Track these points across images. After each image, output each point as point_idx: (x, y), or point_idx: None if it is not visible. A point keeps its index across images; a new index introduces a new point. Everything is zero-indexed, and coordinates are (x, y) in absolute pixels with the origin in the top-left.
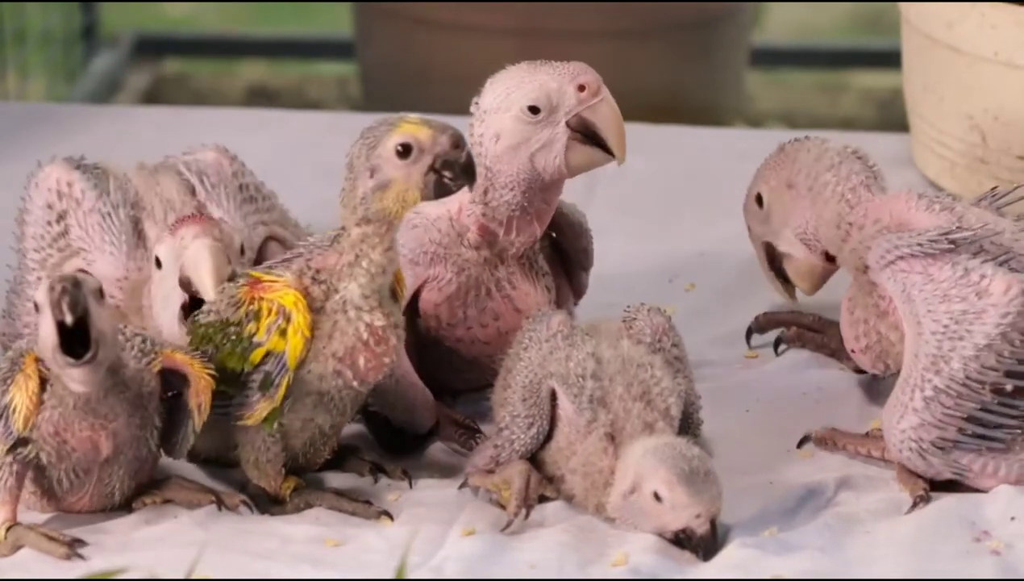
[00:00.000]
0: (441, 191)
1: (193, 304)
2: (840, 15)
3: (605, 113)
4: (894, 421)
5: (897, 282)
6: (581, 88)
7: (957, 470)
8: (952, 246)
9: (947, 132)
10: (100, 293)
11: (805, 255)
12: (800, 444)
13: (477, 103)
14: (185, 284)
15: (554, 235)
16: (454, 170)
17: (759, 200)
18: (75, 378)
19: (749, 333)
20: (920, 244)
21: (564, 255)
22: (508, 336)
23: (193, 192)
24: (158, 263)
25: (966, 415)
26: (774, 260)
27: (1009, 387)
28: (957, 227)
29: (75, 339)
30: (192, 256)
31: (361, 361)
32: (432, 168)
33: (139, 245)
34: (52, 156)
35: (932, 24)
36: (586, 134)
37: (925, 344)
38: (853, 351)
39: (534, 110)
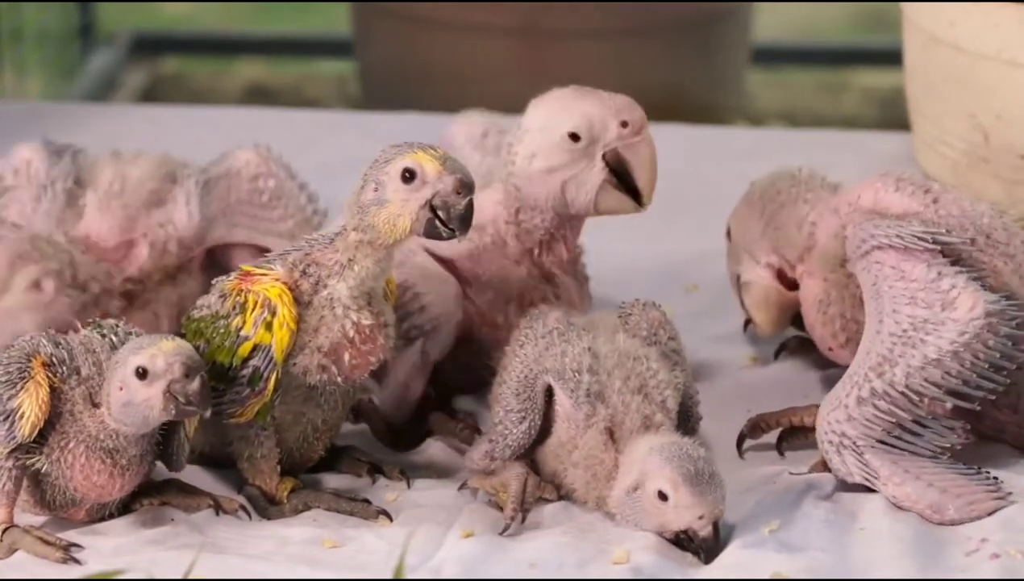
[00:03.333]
0: (431, 231)
1: None
2: (841, 13)
3: (643, 154)
4: (826, 411)
5: (869, 274)
6: (624, 124)
7: (867, 474)
8: (935, 247)
9: (949, 131)
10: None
11: (759, 278)
12: (740, 446)
13: (520, 123)
14: None
15: None
16: (448, 214)
17: (728, 234)
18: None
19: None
20: (900, 236)
21: None
22: None
23: (174, 180)
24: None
25: (896, 421)
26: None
27: (949, 405)
28: (948, 230)
29: None
30: None
31: (346, 357)
32: (429, 204)
33: (70, 215)
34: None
35: (934, 22)
36: (618, 172)
37: (880, 343)
38: (830, 350)
39: (575, 137)
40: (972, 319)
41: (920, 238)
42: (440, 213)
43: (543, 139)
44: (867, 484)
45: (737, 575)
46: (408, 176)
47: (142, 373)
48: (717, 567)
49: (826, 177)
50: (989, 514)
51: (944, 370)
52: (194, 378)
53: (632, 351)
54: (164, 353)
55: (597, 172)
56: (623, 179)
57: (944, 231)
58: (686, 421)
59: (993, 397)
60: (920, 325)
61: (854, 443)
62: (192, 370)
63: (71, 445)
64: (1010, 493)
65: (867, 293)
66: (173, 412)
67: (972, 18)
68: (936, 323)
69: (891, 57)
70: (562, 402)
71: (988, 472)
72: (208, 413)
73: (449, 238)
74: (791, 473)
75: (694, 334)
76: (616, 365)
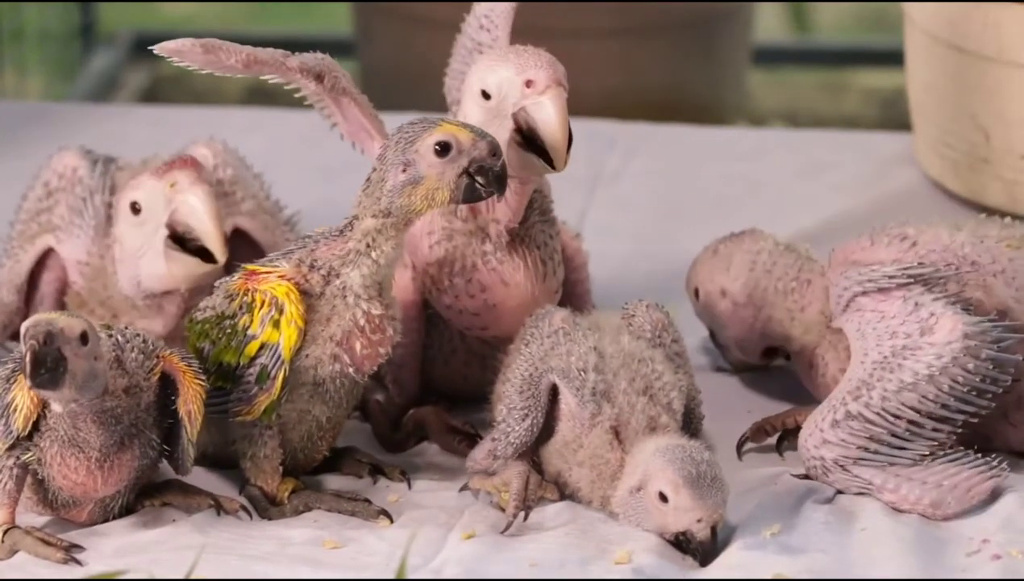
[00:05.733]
0: (471, 196)
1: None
2: (843, 13)
3: (545, 115)
4: (805, 435)
5: (853, 323)
6: (528, 83)
7: (861, 485)
8: (909, 281)
9: (950, 131)
10: (84, 337)
11: (738, 354)
12: (740, 449)
13: None
14: (178, 229)
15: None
16: (487, 177)
17: (696, 293)
18: (51, 398)
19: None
20: (871, 280)
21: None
22: (497, 309)
23: None
24: (135, 209)
25: (872, 437)
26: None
27: (928, 427)
28: (918, 263)
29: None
30: (191, 204)
31: (358, 347)
32: (466, 171)
33: (107, 233)
34: (77, 145)
35: (935, 23)
36: (529, 132)
37: (863, 370)
38: None
39: (486, 96)
40: (950, 342)
41: (891, 276)
42: (479, 178)
43: (468, 95)
44: (867, 494)
45: (738, 576)
46: (442, 149)
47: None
48: (718, 568)
49: (798, 254)
50: (991, 494)
51: (920, 394)
52: (25, 343)
53: (637, 353)
54: (28, 321)
55: (503, 131)
56: (536, 144)
57: (916, 264)
58: (690, 423)
59: (976, 420)
60: (899, 351)
61: (836, 463)
62: (26, 338)
63: (47, 443)
64: (1004, 464)
65: (853, 340)
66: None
67: (973, 18)
68: (914, 348)
69: (892, 57)
70: (567, 401)
71: (973, 452)
72: (29, 385)
73: (488, 197)
74: (792, 475)
75: (695, 335)
76: (622, 366)
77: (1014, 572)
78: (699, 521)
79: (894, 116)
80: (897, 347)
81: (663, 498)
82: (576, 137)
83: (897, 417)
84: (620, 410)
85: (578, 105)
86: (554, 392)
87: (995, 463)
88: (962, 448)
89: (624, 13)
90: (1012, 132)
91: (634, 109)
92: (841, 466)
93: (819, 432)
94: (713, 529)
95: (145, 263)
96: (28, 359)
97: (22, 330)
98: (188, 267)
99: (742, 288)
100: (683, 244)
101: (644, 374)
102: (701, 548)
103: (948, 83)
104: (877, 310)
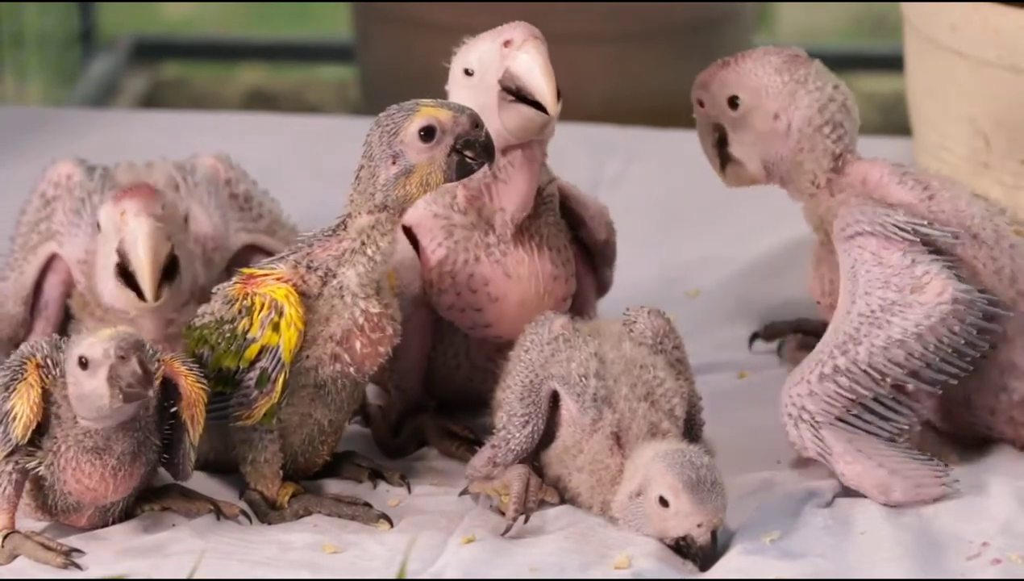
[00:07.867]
0: (463, 171)
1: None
2: (842, 18)
3: (523, 61)
4: (789, 385)
5: (849, 257)
6: (507, 43)
7: (821, 449)
8: (915, 238)
9: (950, 136)
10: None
11: (758, 173)
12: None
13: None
14: (123, 258)
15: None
16: (475, 149)
17: (734, 102)
18: (115, 412)
19: (753, 339)
20: (882, 224)
21: (588, 250)
22: (501, 305)
23: (177, 188)
24: (99, 226)
25: (857, 399)
26: (722, 142)
27: (911, 387)
28: (930, 222)
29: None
30: (131, 235)
31: (357, 346)
32: (454, 149)
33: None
34: (71, 155)
35: (935, 27)
36: (518, 90)
37: (848, 323)
38: (818, 303)
39: (468, 73)
40: (939, 303)
41: (900, 227)
42: (467, 152)
43: (453, 82)
44: (821, 460)
45: (738, 579)
46: (427, 134)
47: (84, 363)
48: (718, 573)
49: (855, 122)
50: (934, 500)
51: (907, 351)
52: (130, 359)
53: (639, 359)
54: (100, 340)
55: (490, 99)
56: (527, 98)
57: (927, 223)
58: (690, 428)
59: (955, 382)
60: (888, 307)
61: (813, 418)
62: (128, 352)
63: (61, 448)
64: (956, 481)
65: (844, 274)
66: (120, 397)
67: (973, 23)
68: (904, 305)
69: (892, 62)
70: (568, 407)
71: (940, 460)
72: (151, 393)
73: (480, 168)
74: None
75: (695, 339)
76: (623, 371)
77: (1014, 576)
78: (699, 526)
79: (894, 121)
80: (886, 302)
81: (663, 503)
82: (577, 142)
83: (883, 375)
84: (621, 416)
85: (579, 110)
86: (554, 398)
87: (949, 475)
88: (928, 453)
89: (624, 17)
90: (1012, 137)
91: (634, 114)
92: (816, 423)
93: (806, 383)
94: (713, 534)
95: (106, 284)
96: (140, 371)
97: (98, 353)
98: (127, 301)
99: (800, 123)
100: (684, 249)
101: (645, 380)
102: (701, 553)
103: (948, 88)
104: (876, 254)
